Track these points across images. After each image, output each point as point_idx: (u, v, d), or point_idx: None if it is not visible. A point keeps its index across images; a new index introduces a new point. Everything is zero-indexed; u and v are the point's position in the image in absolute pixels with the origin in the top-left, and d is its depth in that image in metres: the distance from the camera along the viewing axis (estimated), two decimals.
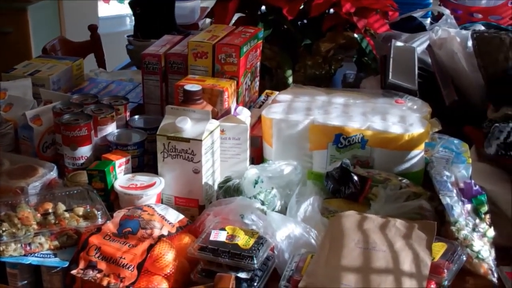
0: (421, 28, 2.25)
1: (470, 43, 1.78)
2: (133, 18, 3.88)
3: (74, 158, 1.45)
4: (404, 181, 1.37)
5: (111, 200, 1.36)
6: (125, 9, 4.49)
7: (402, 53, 1.86)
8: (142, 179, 1.38)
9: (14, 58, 3.30)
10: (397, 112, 1.53)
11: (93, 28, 2.74)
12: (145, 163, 1.50)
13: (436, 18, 2.45)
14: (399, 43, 1.91)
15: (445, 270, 1.14)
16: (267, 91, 1.79)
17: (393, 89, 1.65)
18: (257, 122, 1.61)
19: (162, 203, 1.38)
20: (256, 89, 1.81)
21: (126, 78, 2.10)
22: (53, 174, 1.42)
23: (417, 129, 1.43)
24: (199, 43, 1.63)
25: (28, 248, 1.18)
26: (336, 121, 1.46)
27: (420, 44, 2.01)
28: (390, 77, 1.68)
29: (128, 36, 2.48)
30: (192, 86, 1.49)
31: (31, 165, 1.44)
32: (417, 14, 2.33)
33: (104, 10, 4.33)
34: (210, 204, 1.38)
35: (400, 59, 1.81)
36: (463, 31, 1.92)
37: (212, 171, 1.41)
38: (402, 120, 1.48)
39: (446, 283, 1.13)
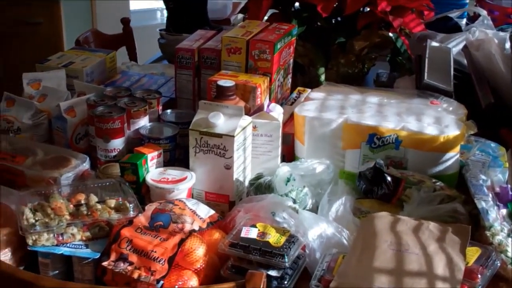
0: (456, 28, 2.22)
1: (508, 45, 1.75)
2: (164, 12, 3.88)
3: (106, 150, 1.45)
4: (438, 183, 1.35)
5: (143, 193, 1.36)
6: (156, 3, 4.51)
7: (437, 53, 1.83)
8: (173, 173, 1.38)
9: (45, 49, 3.35)
10: (432, 113, 1.51)
11: (125, 21, 2.76)
12: (176, 157, 1.50)
13: (472, 18, 2.42)
14: (434, 43, 1.89)
15: (479, 276, 1.12)
16: (299, 88, 1.78)
17: (428, 90, 1.63)
18: (289, 120, 1.60)
19: (192, 197, 1.38)
20: (289, 86, 1.80)
21: (158, 72, 2.11)
22: (86, 165, 1.43)
23: (452, 131, 1.41)
24: (233, 38, 1.62)
25: (60, 238, 1.19)
26: (370, 121, 1.44)
27: (456, 45, 1.98)
28: (425, 78, 1.66)
29: (160, 30, 2.49)
30: (225, 82, 1.49)
31: (64, 156, 1.44)
32: (453, 14, 2.30)
33: (136, 4, 4.35)
34: (240, 200, 1.38)
35: (435, 59, 1.78)
36: (501, 33, 1.89)
37: (244, 168, 1.41)
38: (437, 121, 1.46)
39: None
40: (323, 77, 1.99)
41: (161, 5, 4.42)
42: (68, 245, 1.19)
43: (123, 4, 4.13)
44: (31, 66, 1.83)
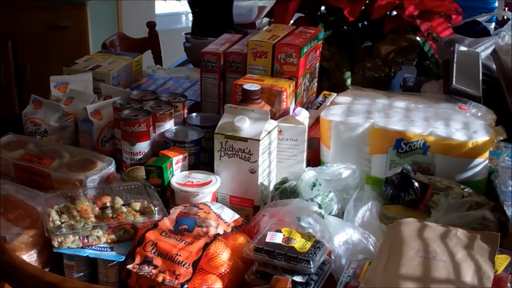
0: (485, 33, 2.19)
1: None
2: (189, 16, 3.90)
3: (132, 153, 1.46)
4: (466, 189, 1.33)
5: (167, 196, 1.36)
6: (182, 7, 4.53)
7: (466, 58, 1.81)
8: (198, 176, 1.37)
9: (71, 53, 3.39)
10: (461, 118, 1.48)
11: (151, 25, 2.77)
12: (201, 161, 1.49)
13: (501, 23, 2.39)
14: (463, 48, 1.86)
15: (508, 284, 1.09)
16: (325, 92, 1.77)
17: (457, 95, 1.61)
18: (314, 124, 1.59)
19: (217, 201, 1.37)
20: (314, 90, 1.79)
21: (183, 75, 2.11)
22: (111, 168, 1.43)
23: (481, 137, 1.39)
24: (259, 42, 1.62)
25: (85, 240, 1.19)
26: (397, 126, 1.42)
27: (484, 49, 1.95)
28: (454, 82, 1.63)
29: (185, 34, 2.50)
30: (251, 86, 1.48)
31: (90, 158, 1.45)
32: (482, 18, 2.27)
33: (161, 7, 4.38)
34: (265, 205, 1.37)
35: (463, 64, 1.76)
36: None
37: (268, 172, 1.40)
38: (466, 126, 1.44)
39: None
40: (349, 81, 1.97)
41: (187, 9, 4.45)
42: (93, 247, 1.20)
43: (149, 8, 4.16)
44: (58, 69, 1.85)
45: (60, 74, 1.78)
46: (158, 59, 2.79)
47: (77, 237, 1.19)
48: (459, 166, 1.39)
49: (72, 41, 3.50)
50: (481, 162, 1.39)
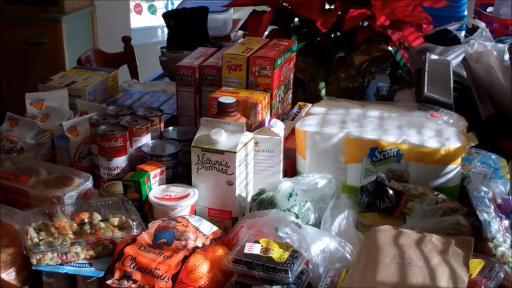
0: (455, 41, 2.23)
1: (507, 57, 1.76)
2: (165, 29, 3.91)
3: (109, 169, 1.46)
4: (440, 196, 1.36)
5: (145, 210, 1.37)
6: (157, 21, 4.54)
7: (437, 66, 1.84)
8: (176, 190, 1.38)
9: (48, 68, 3.38)
10: (433, 126, 1.51)
11: (126, 40, 2.78)
12: (179, 174, 1.50)
13: (471, 31, 2.43)
14: (434, 56, 1.90)
15: (483, 287, 1.12)
16: (300, 103, 1.79)
17: (429, 103, 1.64)
18: (290, 135, 1.61)
19: (195, 214, 1.38)
20: (289, 101, 1.81)
21: (159, 89, 2.12)
22: (89, 184, 1.43)
23: (453, 144, 1.42)
24: (233, 55, 1.64)
25: (64, 257, 1.19)
26: (371, 135, 1.45)
27: (455, 57, 1.99)
28: (425, 91, 1.67)
29: (161, 48, 2.51)
30: (226, 98, 1.50)
31: (67, 175, 1.45)
32: (452, 27, 2.31)
33: (136, 21, 4.39)
34: (243, 216, 1.38)
35: (435, 72, 1.79)
36: (499, 45, 1.90)
37: (246, 183, 1.41)
38: (438, 134, 1.47)
39: None
40: (323, 92, 2.00)
41: (162, 22, 4.46)
42: (72, 264, 1.20)
43: (124, 22, 4.17)
44: (34, 86, 1.85)
45: (36, 90, 1.78)
46: (134, 73, 2.80)
47: (55, 254, 1.19)
48: (432, 173, 1.42)
49: (48, 57, 3.50)
50: (454, 168, 1.42)
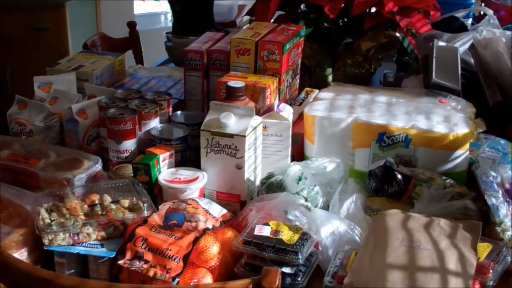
0: (462, 28, 2.23)
1: None
2: (168, 15, 3.91)
3: (118, 152, 1.47)
4: (448, 180, 1.36)
5: (155, 193, 1.37)
6: (160, 7, 4.53)
7: (444, 53, 1.84)
8: (185, 173, 1.39)
9: (51, 54, 3.39)
10: (441, 111, 1.52)
11: (132, 25, 2.77)
12: (187, 158, 1.51)
13: (478, 18, 2.43)
14: (441, 43, 1.90)
15: (490, 271, 1.13)
16: (307, 89, 1.79)
17: (437, 89, 1.64)
18: (298, 120, 1.61)
19: (204, 197, 1.39)
20: (297, 87, 1.81)
21: (165, 75, 2.12)
22: (98, 166, 1.44)
23: (461, 129, 1.42)
24: (241, 40, 1.64)
25: (76, 238, 1.20)
26: (379, 120, 1.45)
27: (462, 45, 1.99)
28: (433, 77, 1.67)
29: (167, 33, 2.51)
30: (235, 83, 1.50)
31: (77, 157, 1.46)
32: (459, 14, 2.31)
33: (139, 8, 4.38)
34: (251, 200, 1.39)
35: (442, 59, 1.79)
36: (507, 32, 1.90)
37: (254, 167, 1.42)
38: (446, 119, 1.47)
39: (491, 283, 1.12)
40: (330, 78, 2.00)
41: (165, 9, 4.46)
42: (83, 244, 1.21)
43: (128, 8, 4.16)
44: (38, 71, 1.84)
45: (40, 75, 1.77)
46: (139, 59, 2.80)
47: (67, 235, 1.20)
48: (440, 158, 1.43)
49: (52, 42, 3.48)
50: (462, 153, 1.43)
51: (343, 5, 1.92)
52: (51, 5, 3.50)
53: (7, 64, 3.59)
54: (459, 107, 1.55)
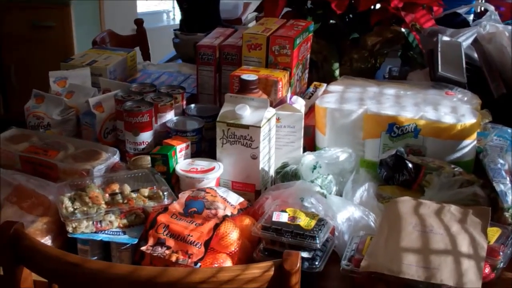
0: (465, 24, 2.27)
1: None
2: (170, 14, 3.95)
3: (135, 143, 1.51)
4: (457, 169, 1.41)
5: (173, 183, 1.41)
6: (163, 6, 4.57)
7: (449, 47, 1.89)
8: (201, 163, 1.43)
9: (56, 52, 3.43)
10: (448, 103, 1.56)
11: (139, 22, 2.82)
12: (202, 149, 1.55)
13: (479, 14, 2.47)
14: (445, 38, 1.94)
15: (500, 253, 1.17)
16: (315, 83, 1.83)
17: (443, 81, 1.69)
18: (307, 112, 1.65)
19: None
20: (306, 81, 1.85)
21: (173, 70, 2.15)
22: (116, 158, 1.48)
23: (469, 120, 1.47)
24: (253, 35, 1.68)
25: (98, 225, 1.24)
26: (389, 111, 1.50)
27: (465, 40, 2.03)
28: (439, 70, 1.71)
29: (174, 30, 2.54)
30: (248, 76, 1.54)
31: (95, 149, 1.50)
32: (461, 10, 2.35)
33: (142, 6, 4.41)
34: (266, 189, 1.43)
35: (447, 53, 1.84)
36: (509, 27, 1.94)
37: (269, 158, 1.46)
38: (454, 110, 1.52)
39: (501, 265, 1.16)
40: (337, 72, 2.04)
41: (167, 7, 4.50)
42: (106, 232, 1.24)
43: (131, 7, 4.20)
44: (43, 68, 1.87)
45: (46, 74, 1.79)
46: (146, 56, 2.84)
47: (90, 222, 1.24)
48: (449, 147, 1.47)
49: (57, 40, 3.53)
50: (469, 143, 1.47)
51: (349, 1, 1.97)
52: (56, 4, 3.53)
53: (11, 62, 3.62)
54: (465, 98, 1.60)
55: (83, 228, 1.23)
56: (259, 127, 1.38)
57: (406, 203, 1.29)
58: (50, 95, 1.67)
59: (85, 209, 1.24)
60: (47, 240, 1.25)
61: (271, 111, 1.45)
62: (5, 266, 1.10)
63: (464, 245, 1.16)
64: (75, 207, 1.25)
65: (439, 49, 1.83)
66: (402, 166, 1.40)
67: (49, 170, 1.45)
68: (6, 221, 1.09)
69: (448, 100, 1.58)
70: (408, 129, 1.47)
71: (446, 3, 2.21)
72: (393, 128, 1.48)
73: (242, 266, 1.03)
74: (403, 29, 2.02)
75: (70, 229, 1.23)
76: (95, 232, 1.24)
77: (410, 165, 1.39)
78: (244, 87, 1.53)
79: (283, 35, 1.66)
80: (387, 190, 1.41)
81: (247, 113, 1.40)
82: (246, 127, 1.39)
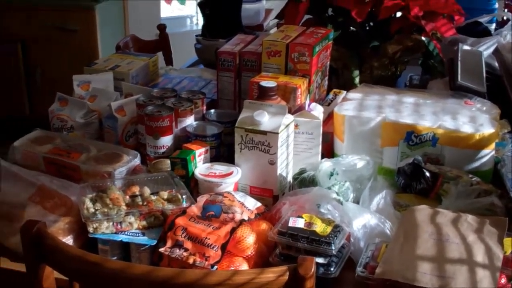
0: (486, 33, 2.27)
1: None
2: (193, 19, 4.00)
3: (156, 147, 1.53)
4: (474, 178, 1.41)
5: (191, 187, 1.43)
6: (186, 10, 4.62)
7: (469, 56, 1.89)
8: (220, 168, 1.45)
9: (80, 55, 3.48)
10: (467, 112, 1.57)
11: (161, 28, 2.85)
12: (221, 154, 1.57)
13: (501, 23, 2.47)
14: (466, 47, 1.95)
15: None
16: (334, 90, 1.84)
17: (462, 91, 1.69)
18: (326, 119, 1.67)
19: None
20: (325, 88, 1.87)
21: (195, 75, 2.18)
22: (137, 161, 1.51)
23: (487, 129, 1.47)
24: (273, 42, 1.70)
25: (119, 226, 1.27)
26: (408, 119, 1.50)
27: (486, 49, 2.03)
28: (459, 79, 1.72)
29: (196, 36, 2.57)
30: (267, 83, 1.56)
31: (116, 152, 1.53)
32: (483, 19, 2.35)
33: (165, 11, 4.46)
34: (283, 194, 1.44)
35: (467, 62, 1.84)
36: None
37: (286, 163, 1.47)
38: (472, 120, 1.52)
39: None
40: (357, 80, 2.05)
41: (191, 12, 4.54)
42: (126, 233, 1.27)
43: (154, 11, 4.24)
44: (67, 71, 1.90)
45: (70, 76, 1.83)
46: (168, 60, 2.87)
47: (111, 223, 1.26)
48: (466, 157, 1.47)
49: (81, 43, 3.57)
50: (487, 153, 1.47)
51: (370, 9, 1.98)
52: (81, 8, 3.58)
53: (37, 64, 3.68)
54: (484, 108, 1.60)
55: (103, 229, 1.26)
56: (277, 133, 1.40)
57: (423, 211, 1.29)
58: (74, 98, 1.70)
59: (106, 210, 1.27)
60: (68, 240, 1.28)
61: (289, 118, 1.46)
62: (28, 264, 1.13)
63: (479, 255, 1.16)
64: (96, 208, 1.28)
65: (459, 58, 1.83)
66: (419, 175, 1.41)
67: (72, 172, 1.48)
68: (30, 220, 1.12)
69: (467, 110, 1.59)
70: (426, 137, 1.48)
71: (468, 12, 2.21)
72: (411, 137, 1.48)
73: (257, 270, 1.05)
74: (423, 38, 2.03)
75: (91, 229, 1.26)
76: (115, 233, 1.27)
77: (427, 173, 1.40)
78: (263, 94, 1.55)
79: (302, 43, 1.68)
80: (404, 198, 1.42)
81: (265, 119, 1.42)
82: (264, 133, 1.41)
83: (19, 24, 3.60)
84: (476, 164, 1.47)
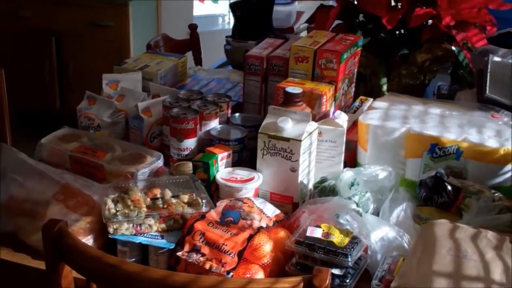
0: None
1: None
2: (226, 18, 4.02)
3: (179, 149, 1.55)
4: (497, 194, 1.39)
5: (212, 191, 1.45)
6: (219, 9, 4.63)
7: (499, 68, 1.86)
8: (241, 173, 1.46)
9: (113, 52, 3.52)
10: (493, 126, 1.55)
11: (193, 27, 2.87)
12: (243, 158, 1.58)
13: None
14: (496, 58, 1.92)
15: None
16: (361, 97, 1.84)
17: (490, 104, 1.67)
18: (352, 127, 1.67)
19: (258, 197, 1.45)
20: (352, 95, 1.86)
21: (223, 77, 2.19)
22: (160, 162, 1.52)
23: None
24: (301, 48, 1.70)
25: (138, 228, 1.29)
26: (432, 131, 1.49)
27: None
28: (487, 91, 1.70)
29: (226, 37, 2.59)
30: (293, 89, 1.56)
31: (140, 152, 1.55)
32: None
33: (198, 9, 4.48)
34: (304, 202, 1.45)
35: (497, 74, 1.82)
36: None
37: (308, 171, 1.48)
38: (498, 134, 1.50)
39: None
40: (385, 87, 2.04)
41: (223, 11, 4.55)
42: (145, 235, 1.29)
43: (187, 9, 4.26)
44: (99, 67, 1.92)
45: (101, 72, 1.85)
46: (198, 60, 2.89)
47: (131, 225, 1.28)
48: (490, 172, 1.46)
49: (114, 40, 3.61)
50: None
51: (400, 16, 1.96)
52: (115, 4, 3.62)
53: (70, 59, 3.74)
54: (511, 122, 1.58)
55: (123, 230, 1.28)
56: (300, 140, 1.40)
57: (442, 225, 1.28)
58: (102, 97, 1.73)
59: (127, 211, 1.29)
60: (89, 239, 1.30)
61: (313, 125, 1.47)
62: (48, 262, 1.15)
63: (497, 273, 1.15)
64: (117, 209, 1.30)
65: (489, 70, 1.81)
66: (441, 188, 1.40)
67: (95, 171, 1.50)
68: (51, 219, 1.14)
69: (494, 123, 1.57)
70: (450, 150, 1.46)
71: (501, 22, 2.18)
72: (435, 149, 1.47)
73: (272, 279, 1.05)
74: (453, 47, 2.01)
75: (111, 230, 1.28)
76: (135, 235, 1.29)
77: (449, 187, 1.39)
78: (289, 100, 1.55)
79: (330, 49, 1.68)
80: (425, 211, 1.41)
81: (288, 126, 1.42)
82: (287, 140, 1.41)
83: (53, 19, 3.65)
84: (500, 179, 1.45)
